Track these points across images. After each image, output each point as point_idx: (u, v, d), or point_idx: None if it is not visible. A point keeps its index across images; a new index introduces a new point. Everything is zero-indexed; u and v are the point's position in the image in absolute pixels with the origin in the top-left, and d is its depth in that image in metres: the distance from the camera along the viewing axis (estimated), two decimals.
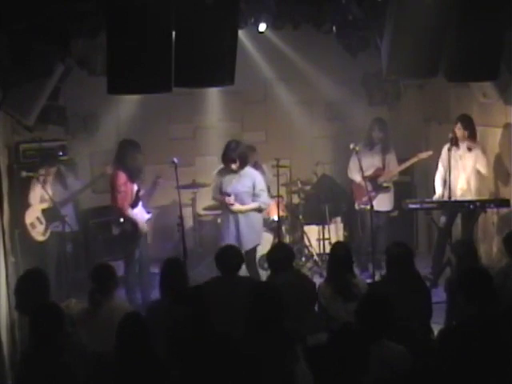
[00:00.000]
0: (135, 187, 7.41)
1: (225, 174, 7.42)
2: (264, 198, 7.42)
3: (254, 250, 7.47)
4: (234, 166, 7.31)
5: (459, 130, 7.70)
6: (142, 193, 7.46)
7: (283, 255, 5.76)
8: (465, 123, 7.72)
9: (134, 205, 7.37)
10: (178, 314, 4.70)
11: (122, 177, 7.29)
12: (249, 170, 7.42)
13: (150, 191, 7.60)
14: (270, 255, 5.94)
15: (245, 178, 7.37)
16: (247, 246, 7.33)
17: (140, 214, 7.42)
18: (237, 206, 7.34)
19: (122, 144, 7.43)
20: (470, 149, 7.75)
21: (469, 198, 7.73)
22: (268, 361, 4.15)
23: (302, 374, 4.19)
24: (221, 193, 7.43)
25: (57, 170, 7.60)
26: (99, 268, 5.52)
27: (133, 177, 7.33)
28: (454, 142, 7.69)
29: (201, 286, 5.10)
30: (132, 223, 7.35)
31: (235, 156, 7.27)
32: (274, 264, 5.75)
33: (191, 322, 4.51)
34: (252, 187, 7.35)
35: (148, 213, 7.56)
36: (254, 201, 7.36)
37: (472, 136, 7.74)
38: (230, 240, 7.16)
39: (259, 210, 7.45)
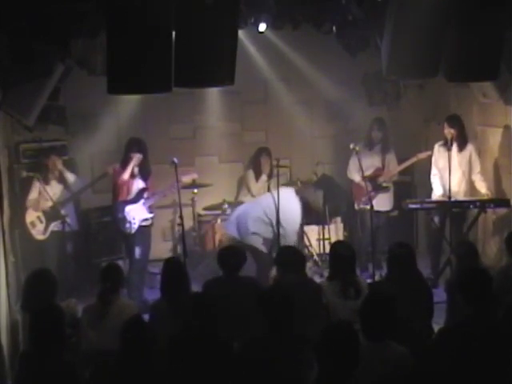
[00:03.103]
0: (137, 185, 7.43)
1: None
2: None
3: None
4: None
5: (446, 129, 7.72)
6: (154, 192, 7.49)
7: (294, 258, 5.66)
8: (450, 122, 7.74)
9: (131, 202, 7.37)
10: (179, 316, 4.71)
11: (119, 174, 7.35)
12: None
13: (165, 191, 7.63)
14: (280, 256, 5.80)
15: None
16: None
17: (135, 211, 7.41)
18: None
19: (126, 142, 7.55)
20: (461, 149, 7.75)
21: (462, 198, 7.73)
22: (279, 365, 4.15)
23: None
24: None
25: (57, 168, 7.60)
26: (109, 267, 5.64)
27: (128, 174, 7.37)
28: (445, 143, 7.70)
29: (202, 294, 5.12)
30: (121, 220, 7.35)
31: None
32: (284, 266, 5.65)
33: (193, 328, 4.51)
34: None
35: (150, 212, 7.56)
36: None
37: (460, 135, 7.74)
38: None
39: None
